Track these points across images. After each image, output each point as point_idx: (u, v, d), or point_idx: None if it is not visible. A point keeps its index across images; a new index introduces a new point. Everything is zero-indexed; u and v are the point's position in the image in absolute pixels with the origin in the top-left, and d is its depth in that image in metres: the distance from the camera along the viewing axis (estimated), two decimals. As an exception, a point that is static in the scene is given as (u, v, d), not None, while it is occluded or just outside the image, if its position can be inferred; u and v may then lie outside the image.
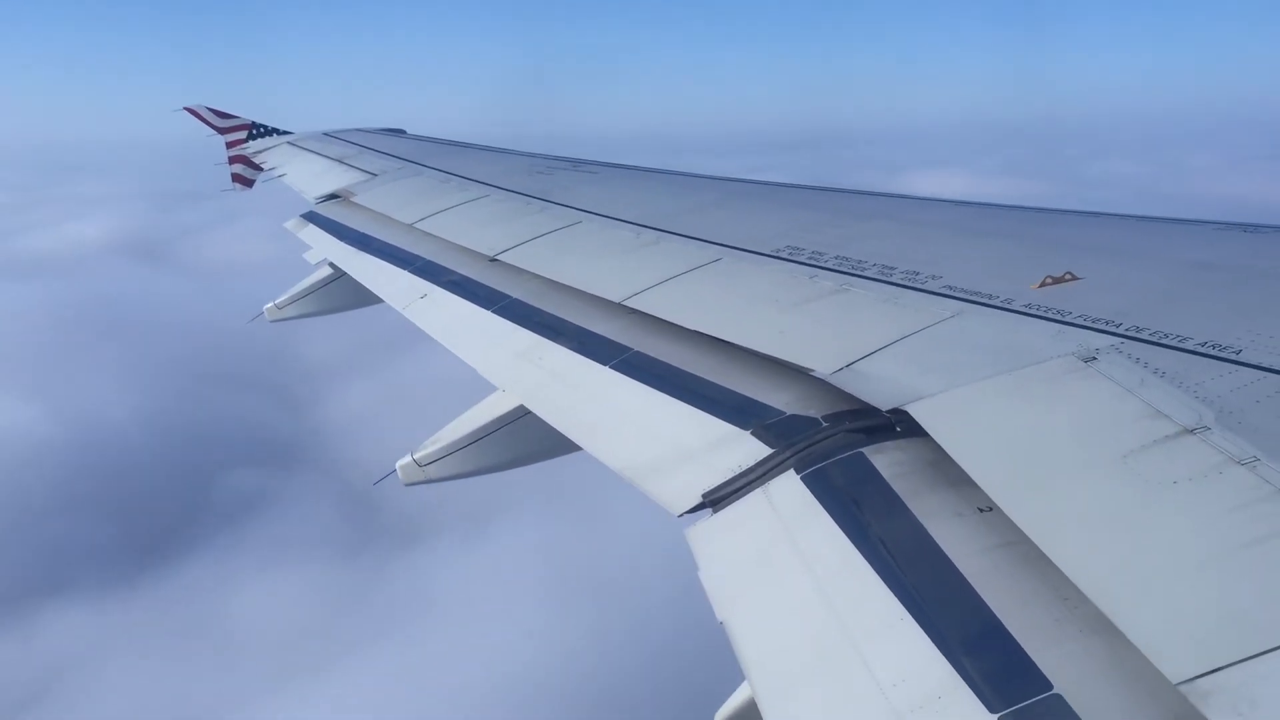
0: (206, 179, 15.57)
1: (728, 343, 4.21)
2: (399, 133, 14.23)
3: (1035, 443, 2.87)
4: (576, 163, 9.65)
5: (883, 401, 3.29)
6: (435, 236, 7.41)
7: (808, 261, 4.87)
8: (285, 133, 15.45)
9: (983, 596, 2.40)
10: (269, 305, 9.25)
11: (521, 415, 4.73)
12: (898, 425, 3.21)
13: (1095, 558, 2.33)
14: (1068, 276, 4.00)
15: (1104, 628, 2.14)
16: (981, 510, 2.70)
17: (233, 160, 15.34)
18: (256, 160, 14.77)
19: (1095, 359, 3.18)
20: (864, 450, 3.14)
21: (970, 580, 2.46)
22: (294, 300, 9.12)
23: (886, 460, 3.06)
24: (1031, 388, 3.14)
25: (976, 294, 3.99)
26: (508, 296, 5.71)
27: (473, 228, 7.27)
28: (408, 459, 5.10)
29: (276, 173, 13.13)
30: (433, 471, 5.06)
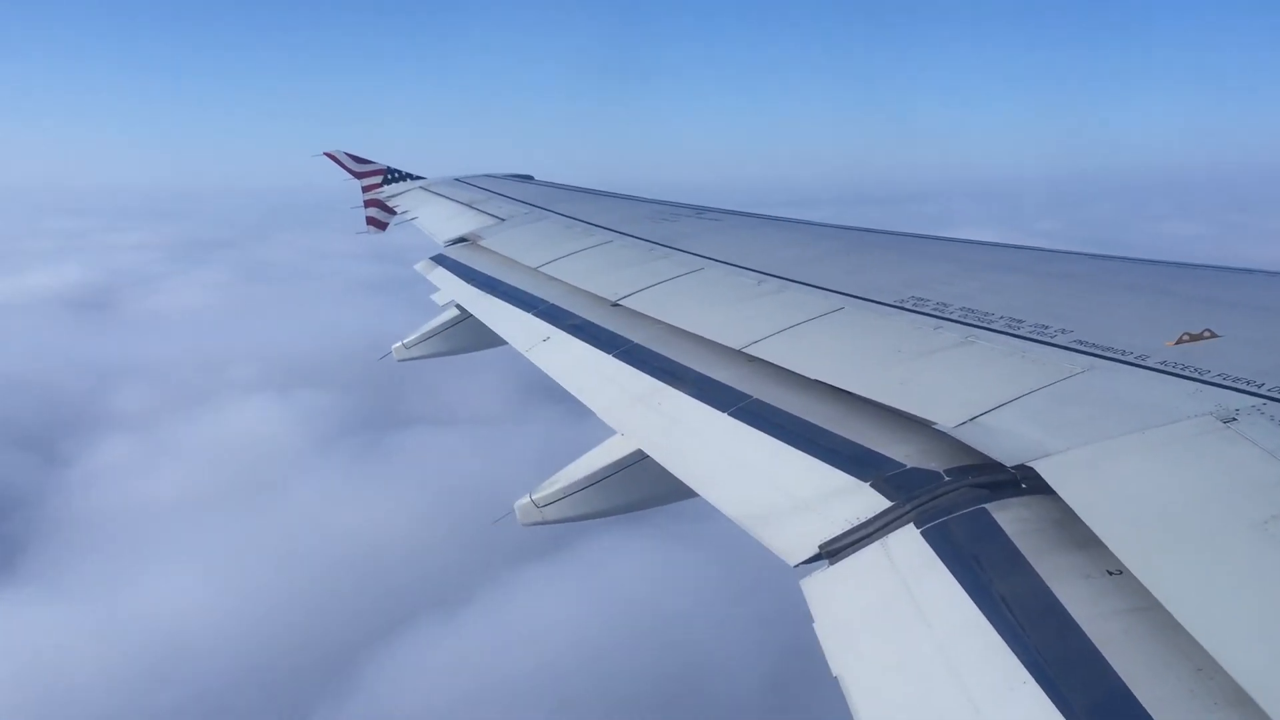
0: (343, 221, 16.21)
1: (848, 392, 4.17)
2: (527, 179, 14.54)
3: (1169, 505, 2.76)
4: (700, 210, 9.71)
5: (1008, 457, 3.21)
6: (559, 280, 7.53)
7: (932, 312, 4.80)
8: (418, 178, 15.94)
9: (1111, 663, 2.31)
10: (397, 345, 9.52)
11: (639, 460, 4.76)
12: (1023, 482, 3.13)
13: (1233, 628, 2.23)
14: (1206, 334, 3.86)
15: (1241, 701, 2.04)
16: (1111, 573, 2.61)
17: (368, 204, 15.90)
18: (390, 204, 15.26)
19: (1235, 420, 3.06)
20: (987, 506, 3.07)
21: (1098, 645, 2.37)
22: (422, 340, 9.37)
23: (1010, 517, 2.99)
24: (1166, 448, 3.03)
25: (1108, 349, 3.88)
26: (629, 341, 5.76)
27: (596, 272, 7.37)
28: (526, 499, 5.18)
29: (409, 216, 13.53)
30: (550, 513, 5.13)
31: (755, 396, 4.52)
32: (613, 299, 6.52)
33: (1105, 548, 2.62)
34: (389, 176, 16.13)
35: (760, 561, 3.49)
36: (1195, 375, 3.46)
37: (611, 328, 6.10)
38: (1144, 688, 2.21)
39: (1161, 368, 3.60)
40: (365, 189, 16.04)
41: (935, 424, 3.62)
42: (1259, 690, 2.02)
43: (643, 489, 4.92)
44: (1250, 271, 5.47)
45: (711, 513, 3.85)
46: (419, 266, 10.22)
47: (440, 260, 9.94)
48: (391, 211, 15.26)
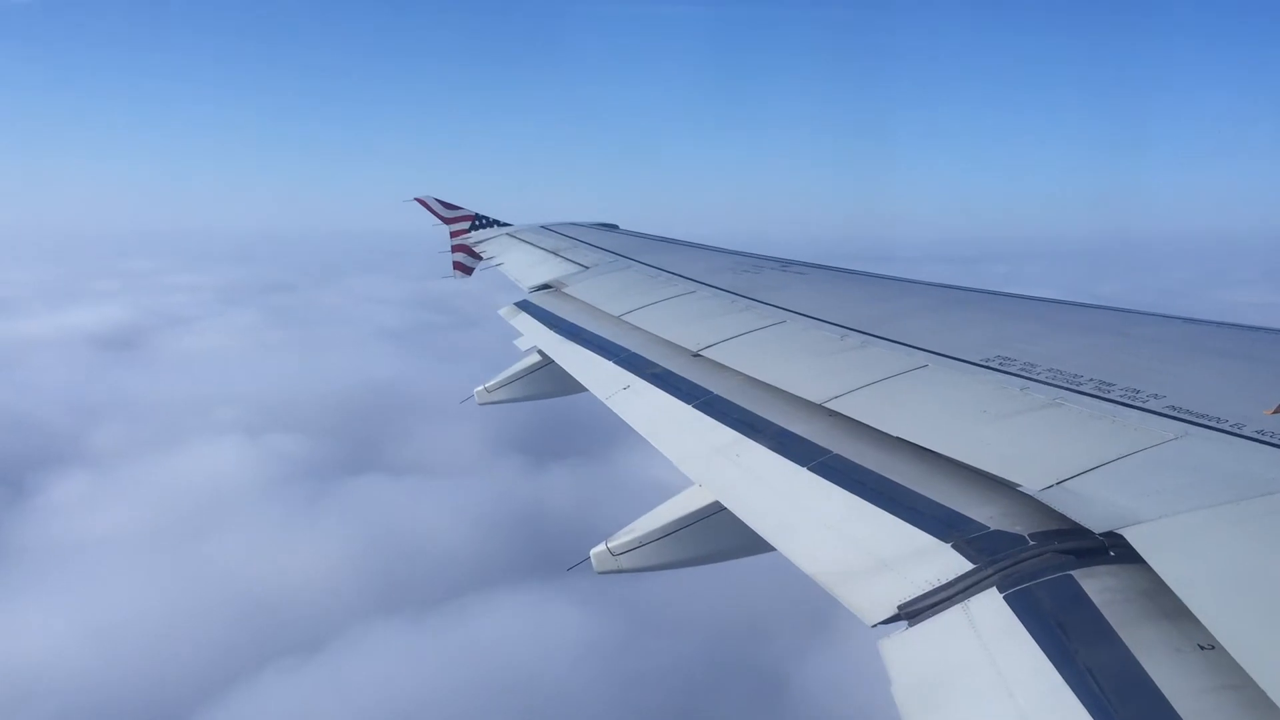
0: (411, 268, 16.56)
1: (931, 451, 4.12)
2: (612, 227, 14.68)
3: (1266, 579, 2.67)
4: (784, 263, 9.70)
5: (1096, 523, 3.13)
6: (641, 329, 7.57)
7: (1019, 373, 4.73)
8: (505, 224, 16.18)
9: (1202, 742, 2.23)
10: (479, 388, 9.63)
11: (716, 511, 4.73)
12: (1111, 549, 3.05)
13: None
14: (1306, 403, 3.74)
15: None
16: (1203, 648, 2.52)
17: (455, 249, 16.17)
18: (477, 249, 15.50)
19: None
20: (1073, 573, 2.99)
21: (1188, 723, 2.29)
22: (503, 385, 9.47)
23: (1097, 585, 2.91)
24: (1263, 520, 2.94)
25: (1203, 416, 3.78)
26: (709, 392, 5.76)
27: (678, 322, 7.40)
28: (602, 547, 5.18)
29: (495, 262, 13.73)
30: (625, 562, 5.12)
31: (835, 451, 4.48)
32: (694, 349, 6.53)
33: (1197, 621, 2.54)
34: (476, 223, 16.40)
35: (838, 620, 3.45)
36: None
37: (692, 378, 6.10)
38: (1237, 769, 2.14)
39: (1259, 437, 3.50)
40: (453, 234, 16.33)
41: (1021, 486, 3.55)
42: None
43: (719, 541, 4.89)
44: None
45: (788, 568, 3.81)
46: (503, 311, 10.34)
47: (524, 306, 10.06)
48: (478, 257, 15.50)
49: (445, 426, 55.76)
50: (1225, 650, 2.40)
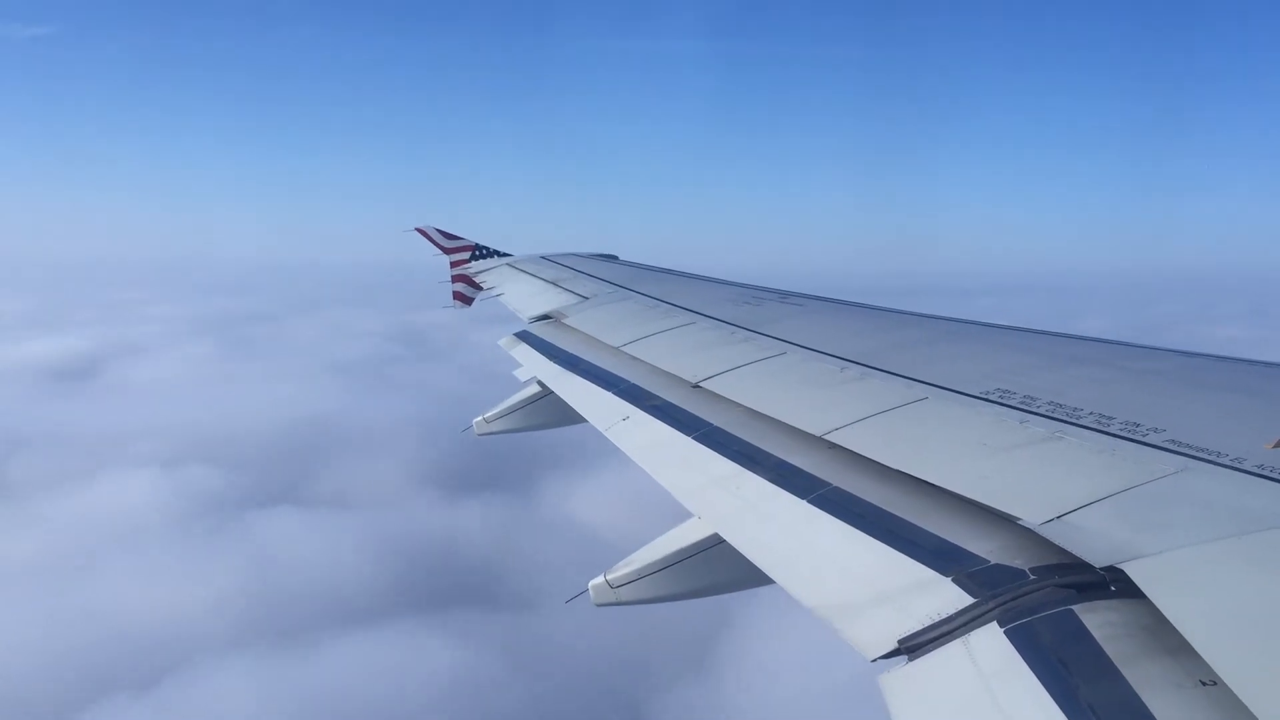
0: (430, 296, 16.55)
1: (931, 484, 4.10)
2: (611, 258, 14.71)
3: (1268, 615, 2.65)
4: (784, 294, 9.71)
5: (1097, 558, 3.12)
6: (641, 360, 7.57)
7: (1019, 406, 4.72)
8: (505, 254, 16.22)
9: (1205, 780, 2.21)
10: (478, 419, 9.60)
11: (716, 544, 4.71)
12: (1112, 584, 3.03)
13: None
14: (1307, 437, 3.74)
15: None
16: (1204, 684, 2.50)
17: (455, 279, 16.20)
18: (477, 279, 15.53)
19: None
20: (1074, 608, 2.98)
21: (1191, 760, 2.28)
22: (502, 415, 9.44)
23: (1098, 620, 2.89)
24: (1265, 555, 2.93)
25: (1203, 450, 3.77)
26: (709, 424, 5.75)
27: (678, 354, 7.40)
28: (600, 579, 5.15)
29: (495, 292, 13.75)
30: (624, 594, 5.09)
31: (835, 484, 4.47)
32: (694, 380, 6.53)
33: (1199, 657, 2.52)
34: (476, 253, 16.45)
35: (836, 654, 3.43)
36: None
37: (692, 409, 6.10)
38: (1240, 808, 2.12)
39: (1260, 471, 3.49)
40: (453, 264, 16.37)
41: (1021, 520, 3.54)
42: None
43: (718, 574, 4.87)
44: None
45: (787, 601, 3.79)
46: (502, 342, 10.34)
47: (524, 336, 10.06)
48: (478, 287, 15.53)
49: (370, 460, 56.46)
50: (1227, 686, 2.39)
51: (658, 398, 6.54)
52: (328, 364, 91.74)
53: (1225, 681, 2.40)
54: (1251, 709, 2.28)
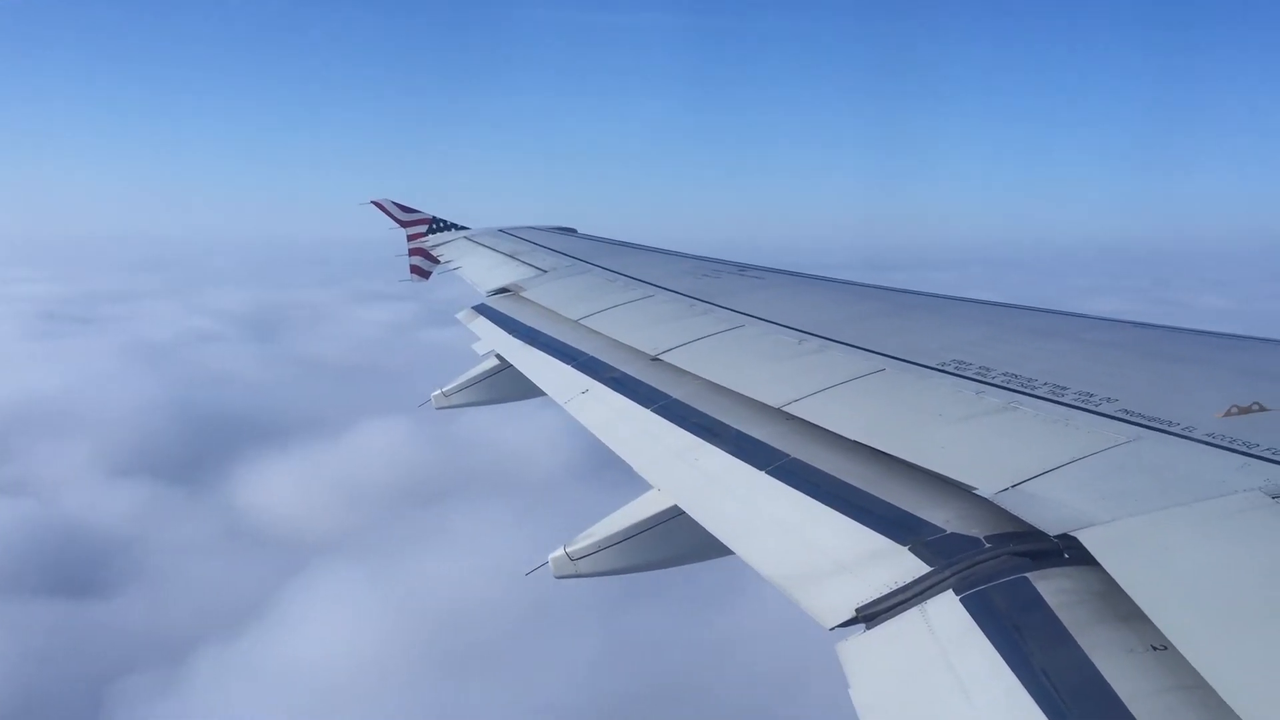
0: (388, 271, 16.41)
1: (888, 455, 4.13)
2: (570, 231, 14.65)
3: (1217, 581, 2.70)
4: (742, 267, 9.73)
5: (1050, 526, 3.16)
6: (599, 333, 7.55)
7: (974, 377, 4.76)
8: (463, 228, 16.10)
9: (1155, 742, 2.25)
10: (436, 393, 9.55)
11: (675, 516, 4.73)
12: (1066, 552, 3.07)
13: None
14: (1256, 406, 3.79)
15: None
16: (1155, 649, 2.54)
17: (413, 253, 16.06)
18: (434, 253, 15.41)
19: None
20: (1028, 575, 3.01)
21: (1142, 723, 2.31)
22: (460, 389, 9.40)
23: (1052, 587, 2.93)
24: (1214, 522, 2.97)
25: (1155, 420, 3.82)
26: (668, 396, 5.76)
27: (636, 326, 7.39)
28: (560, 552, 5.15)
29: (452, 266, 13.65)
30: (583, 566, 5.10)
31: (794, 455, 4.49)
32: (652, 353, 6.52)
33: (1150, 622, 2.56)
34: (434, 226, 16.31)
35: (795, 623, 3.45)
36: (1244, 449, 3.40)
37: (651, 382, 6.09)
38: (1189, 769, 2.16)
39: (1209, 440, 3.54)
40: (410, 238, 16.22)
41: (976, 490, 3.58)
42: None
43: (678, 545, 4.88)
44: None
45: (747, 571, 3.81)
46: (460, 315, 10.28)
47: (482, 310, 10.01)
48: (435, 260, 15.42)
49: (69, 444, 55.53)
50: (1178, 651, 2.43)
51: (616, 370, 6.53)
52: (132, 343, 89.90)
53: (1176, 646, 2.44)
54: (1201, 672, 2.32)
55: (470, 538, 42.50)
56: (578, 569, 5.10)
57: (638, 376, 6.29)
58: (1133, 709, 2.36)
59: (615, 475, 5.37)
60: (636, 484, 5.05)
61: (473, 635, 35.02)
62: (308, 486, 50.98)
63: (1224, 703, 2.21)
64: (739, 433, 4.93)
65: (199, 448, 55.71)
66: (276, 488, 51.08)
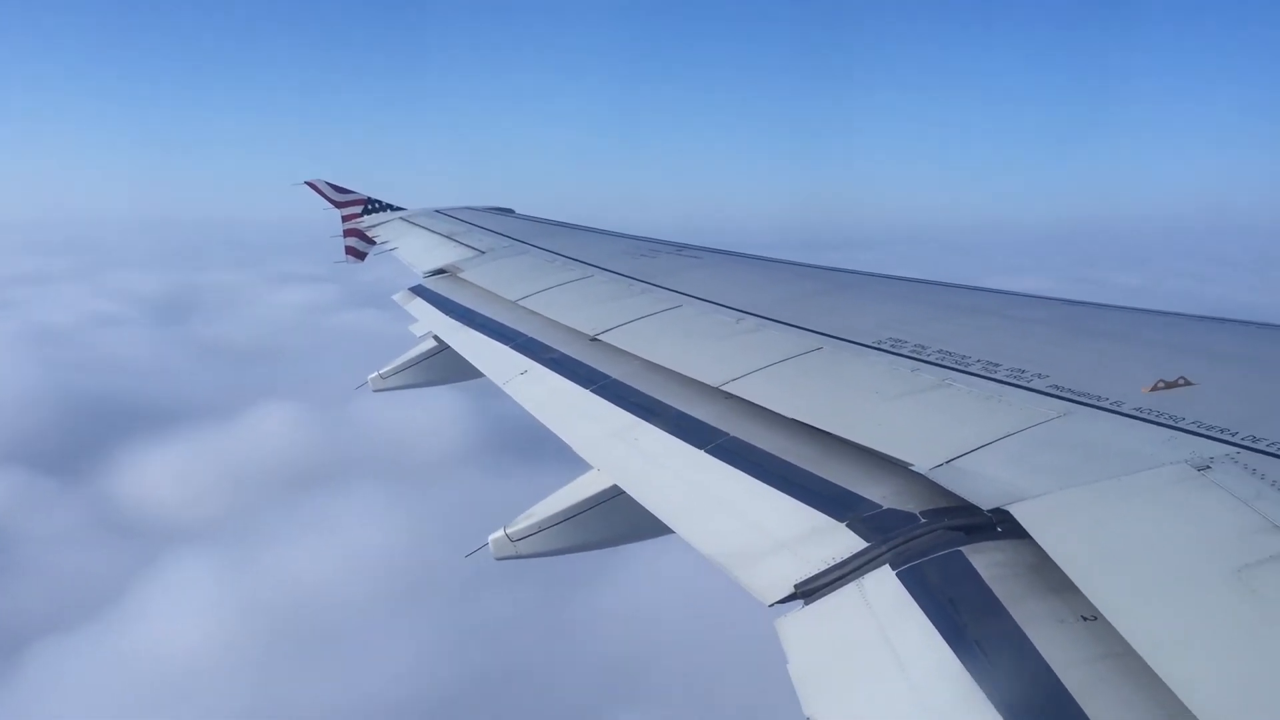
0: (323, 252, 16.18)
1: (825, 432, 4.17)
2: (508, 212, 14.55)
3: (1144, 551, 2.77)
4: (680, 247, 9.73)
5: (984, 500, 3.21)
6: (538, 314, 7.52)
7: (909, 354, 4.81)
8: (399, 209, 15.92)
9: (1085, 710, 2.30)
10: (373, 375, 9.46)
11: (615, 495, 4.73)
12: (999, 526, 3.13)
13: (1207, 676, 2.23)
14: (1181, 381, 3.89)
15: (1215, 751, 2.04)
16: (1085, 619, 2.60)
17: (348, 234, 15.86)
18: (370, 234, 15.23)
19: (1209, 468, 3.07)
20: (963, 549, 3.06)
21: (1072, 692, 2.36)
22: (398, 371, 9.32)
23: (986, 561, 2.98)
24: (1141, 494, 3.04)
25: (1084, 395, 3.90)
26: (607, 376, 5.75)
27: (575, 307, 7.37)
28: (500, 533, 5.14)
29: (388, 247, 13.49)
30: (524, 547, 5.09)
31: (732, 434, 4.51)
32: (591, 334, 6.51)
33: (1080, 593, 2.62)
34: (369, 207, 16.10)
35: (734, 600, 3.48)
36: (1170, 422, 3.48)
37: (590, 362, 6.09)
38: (1118, 735, 2.21)
39: (1137, 414, 3.62)
40: (345, 219, 16.00)
41: (912, 466, 3.63)
42: (1233, 740, 2.02)
43: (618, 525, 4.89)
44: (1223, 321, 5.53)
45: (686, 550, 3.83)
46: (397, 297, 10.18)
47: (419, 291, 9.91)
48: (371, 242, 15.24)
49: None
50: (1107, 620, 2.49)
51: (555, 351, 6.51)
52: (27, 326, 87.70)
53: (1105, 616, 2.50)
54: (1129, 641, 2.38)
55: (349, 526, 41.59)
56: (518, 550, 5.09)
57: (577, 357, 6.28)
58: (1063, 678, 2.41)
59: (555, 456, 5.36)
60: (576, 464, 5.05)
61: (334, 623, 34.59)
62: (188, 475, 49.55)
63: (1150, 669, 2.27)
64: (678, 412, 4.95)
65: (81, 435, 53.82)
66: (155, 477, 49.54)
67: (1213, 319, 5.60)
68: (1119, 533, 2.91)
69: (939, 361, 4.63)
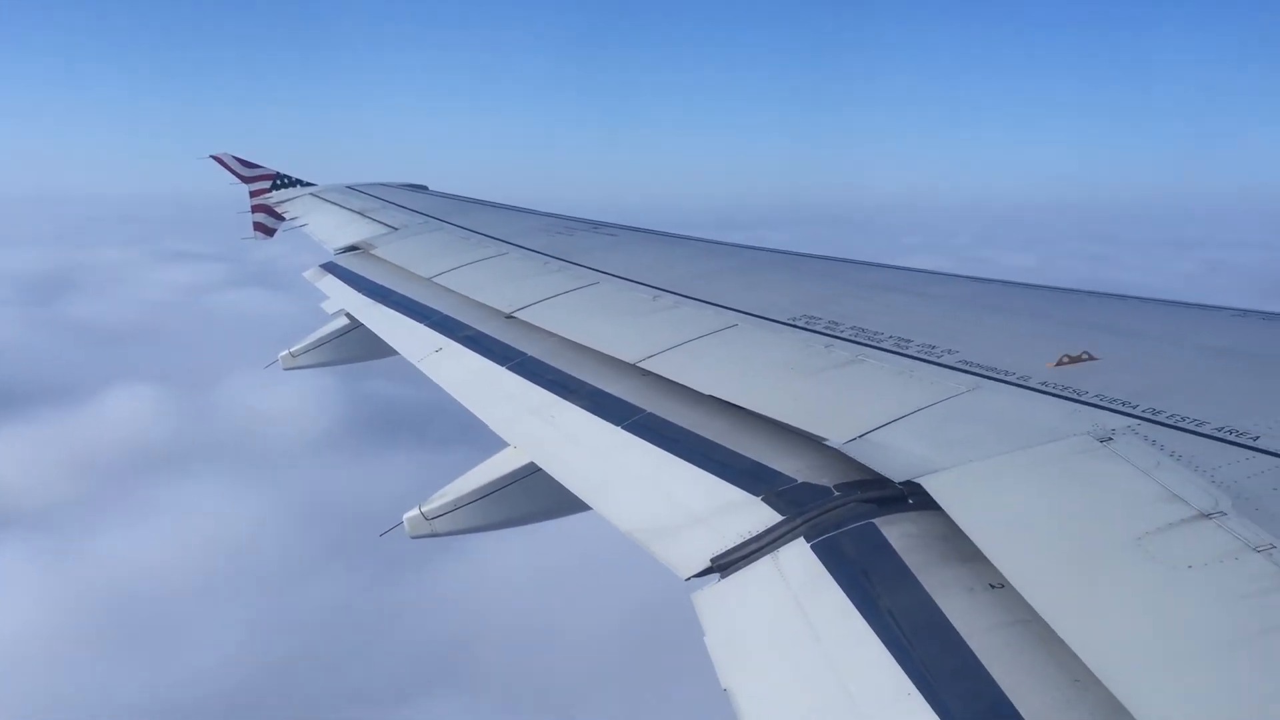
0: (228, 228, 15.79)
1: (741, 408, 4.21)
2: (421, 188, 14.37)
3: (1049, 521, 2.85)
4: (596, 225, 9.72)
5: (896, 473, 3.27)
6: (453, 291, 7.45)
7: (824, 331, 4.87)
8: (309, 184, 15.61)
9: (993, 675, 2.36)
10: (284, 353, 9.28)
11: (532, 473, 4.72)
12: (910, 497, 3.19)
13: (1109, 640, 2.30)
14: (1084, 356, 3.99)
15: (1116, 712, 2.11)
16: (993, 586, 2.67)
17: (255, 209, 15.51)
18: (279, 210, 14.91)
19: (1111, 439, 3.17)
20: (875, 521, 3.12)
21: (980, 658, 2.43)
22: (309, 349, 9.15)
23: (898, 532, 3.04)
24: (1046, 466, 3.13)
25: (992, 370, 3.99)
26: (523, 354, 5.73)
27: (491, 284, 7.32)
28: (415, 512, 5.09)
29: (298, 223, 13.24)
30: (439, 525, 5.05)
31: (649, 410, 4.53)
32: (507, 311, 6.47)
33: (988, 562, 2.68)
34: (278, 182, 15.76)
35: (652, 575, 3.49)
36: (1074, 396, 3.58)
37: (506, 340, 6.05)
38: (1023, 699, 2.27)
39: (1042, 388, 3.72)
40: (253, 194, 15.64)
41: (826, 440, 3.67)
42: (1132, 700, 2.08)
43: (535, 502, 4.88)
44: (1124, 298, 5.69)
45: (603, 526, 3.84)
46: (308, 274, 9.99)
47: (330, 268, 9.74)
48: (280, 218, 14.92)
49: None
50: (1013, 588, 2.55)
51: (471, 329, 6.46)
52: None
53: (1012, 583, 2.57)
54: (1034, 606, 2.45)
55: (198, 513, 40.28)
56: (433, 528, 5.05)
57: (493, 334, 6.23)
58: (971, 644, 2.47)
59: (470, 434, 5.32)
60: (492, 441, 5.02)
61: (165, 613, 33.83)
62: (28, 460, 47.48)
63: (1055, 634, 2.34)
64: (595, 389, 4.95)
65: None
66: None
67: (1115, 296, 5.76)
68: (1025, 503, 2.99)
69: (852, 338, 4.70)
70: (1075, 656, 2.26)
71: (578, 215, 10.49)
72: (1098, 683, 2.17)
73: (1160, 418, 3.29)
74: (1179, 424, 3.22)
